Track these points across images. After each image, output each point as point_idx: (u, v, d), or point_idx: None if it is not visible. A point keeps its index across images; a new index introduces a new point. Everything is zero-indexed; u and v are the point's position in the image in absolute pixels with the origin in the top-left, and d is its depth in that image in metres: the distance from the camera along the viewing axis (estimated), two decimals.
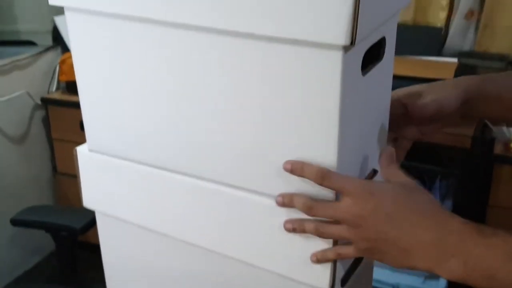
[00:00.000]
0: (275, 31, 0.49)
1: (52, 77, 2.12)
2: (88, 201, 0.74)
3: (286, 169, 0.54)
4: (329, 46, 0.48)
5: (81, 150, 0.71)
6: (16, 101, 1.97)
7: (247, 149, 0.57)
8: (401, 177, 0.57)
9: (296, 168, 0.54)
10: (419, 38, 1.86)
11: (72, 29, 0.64)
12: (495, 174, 1.56)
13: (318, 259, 0.57)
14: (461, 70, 1.73)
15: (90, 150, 0.70)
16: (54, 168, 2.19)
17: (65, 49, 2.11)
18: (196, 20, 0.53)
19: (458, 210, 1.66)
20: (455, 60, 1.78)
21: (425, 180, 1.73)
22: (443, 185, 1.74)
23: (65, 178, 2.14)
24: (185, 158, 0.63)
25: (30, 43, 2.07)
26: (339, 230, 0.54)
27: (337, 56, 0.48)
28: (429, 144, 1.64)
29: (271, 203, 0.57)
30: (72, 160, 0.73)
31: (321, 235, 0.55)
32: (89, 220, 1.34)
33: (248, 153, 0.58)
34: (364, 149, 0.61)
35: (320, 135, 0.53)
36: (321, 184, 0.53)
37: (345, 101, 0.51)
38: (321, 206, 0.54)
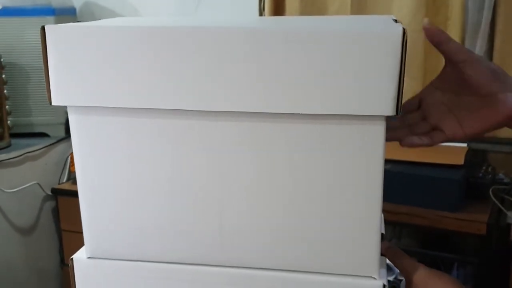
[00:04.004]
0: (321, 109, 0.53)
1: (64, 168, 2.14)
2: None
3: None
4: (374, 118, 0.54)
5: (79, 258, 0.65)
6: (26, 192, 1.98)
7: (288, 229, 0.59)
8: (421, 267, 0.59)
9: None
10: None
11: (76, 128, 0.60)
12: None
13: None
14: (472, 155, 1.73)
15: (91, 257, 0.64)
16: (62, 261, 2.15)
17: None
18: (241, 107, 0.55)
19: None
20: (464, 145, 1.78)
21: (442, 269, 1.67)
22: (461, 274, 1.68)
23: None
24: (216, 248, 0.61)
25: (43, 135, 2.11)
26: None
27: (381, 125, 0.54)
28: (446, 231, 1.61)
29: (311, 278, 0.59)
30: None
31: None
32: None
33: (290, 233, 0.59)
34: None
35: (363, 202, 0.57)
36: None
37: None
38: None
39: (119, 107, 0.57)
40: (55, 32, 0.56)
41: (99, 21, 0.64)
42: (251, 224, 0.59)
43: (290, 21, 0.69)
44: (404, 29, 0.50)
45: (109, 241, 0.63)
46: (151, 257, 0.63)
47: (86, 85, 0.57)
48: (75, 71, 0.57)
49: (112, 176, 0.61)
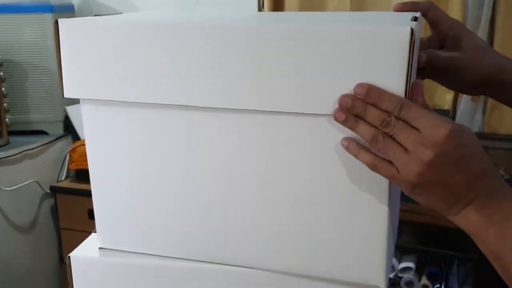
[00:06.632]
0: (327, 109, 0.53)
1: (62, 166, 2.13)
2: None
3: (359, 93, 0.50)
4: None
5: (76, 256, 0.66)
6: (25, 190, 1.97)
7: (295, 231, 0.58)
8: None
9: (373, 93, 0.50)
10: None
11: (88, 121, 0.61)
12: None
13: (348, 147, 0.52)
14: None
15: (102, 248, 0.66)
16: (61, 258, 2.14)
17: (76, 138, 2.13)
18: (250, 105, 0.55)
19: None
20: None
21: (442, 266, 1.67)
22: (461, 271, 1.67)
23: None
24: (221, 246, 0.61)
25: (42, 133, 2.10)
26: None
27: None
28: (446, 228, 1.60)
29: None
30: None
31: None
32: None
33: (296, 234, 0.58)
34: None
35: (371, 207, 0.55)
36: (397, 115, 0.49)
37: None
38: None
39: (131, 102, 0.58)
40: (69, 26, 0.57)
41: (110, 15, 0.64)
42: (258, 223, 0.58)
43: (299, 17, 0.68)
44: (412, 29, 0.48)
45: (119, 232, 0.64)
46: (157, 251, 0.63)
47: (99, 78, 0.57)
48: (88, 64, 0.57)
49: (123, 168, 0.62)
